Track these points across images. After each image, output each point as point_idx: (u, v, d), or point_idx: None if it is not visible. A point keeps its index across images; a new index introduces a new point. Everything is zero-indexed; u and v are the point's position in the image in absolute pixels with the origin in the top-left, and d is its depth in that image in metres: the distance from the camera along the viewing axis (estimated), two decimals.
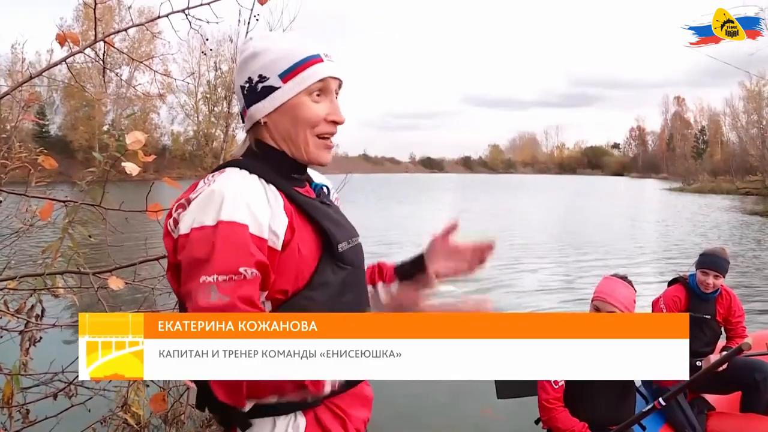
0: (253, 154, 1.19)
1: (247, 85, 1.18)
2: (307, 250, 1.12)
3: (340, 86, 1.20)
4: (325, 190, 1.29)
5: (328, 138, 1.19)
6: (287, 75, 1.14)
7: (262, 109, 1.17)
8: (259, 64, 1.16)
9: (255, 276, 1.02)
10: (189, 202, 1.08)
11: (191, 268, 1.02)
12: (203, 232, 1.03)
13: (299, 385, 1.01)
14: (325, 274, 1.13)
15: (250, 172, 1.12)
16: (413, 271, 1.35)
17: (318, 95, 1.16)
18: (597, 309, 2.62)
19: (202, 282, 1.00)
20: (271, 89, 1.15)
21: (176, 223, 1.09)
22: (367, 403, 1.24)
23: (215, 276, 0.99)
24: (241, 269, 1.01)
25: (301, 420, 1.11)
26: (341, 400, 1.16)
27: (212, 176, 1.12)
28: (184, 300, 1.05)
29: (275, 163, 1.17)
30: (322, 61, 1.16)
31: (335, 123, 1.18)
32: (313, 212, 1.16)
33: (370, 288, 1.34)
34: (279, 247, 1.07)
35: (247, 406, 1.03)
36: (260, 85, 1.16)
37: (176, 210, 1.10)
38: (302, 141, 1.17)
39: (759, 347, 3.23)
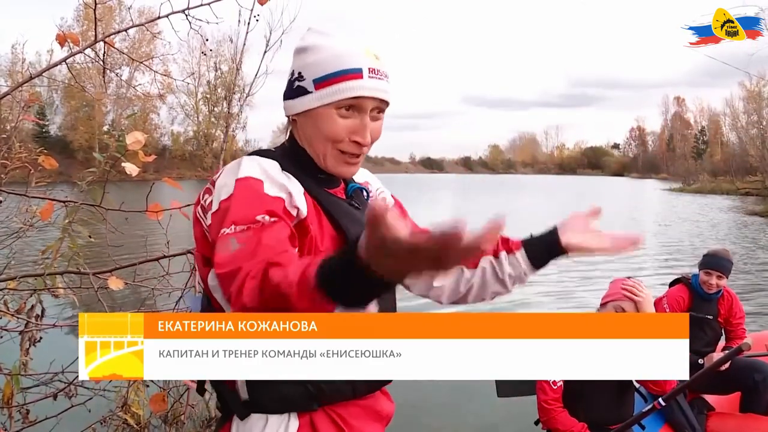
0: (284, 148, 1.18)
1: (290, 77, 1.15)
2: (325, 248, 1.09)
3: (385, 104, 1.13)
4: (363, 193, 1.25)
5: (350, 155, 1.13)
6: (321, 83, 1.09)
7: (292, 107, 1.14)
8: (303, 61, 1.12)
9: (274, 221, 0.98)
10: (214, 183, 1.08)
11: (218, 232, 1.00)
12: (229, 200, 1.02)
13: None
14: None
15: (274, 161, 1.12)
16: (542, 242, 1.27)
17: (348, 110, 1.09)
18: (622, 309, 2.54)
19: (221, 235, 0.96)
20: (304, 91, 1.11)
21: (204, 210, 1.08)
22: (380, 418, 1.20)
23: (233, 227, 0.96)
24: (258, 217, 0.97)
25: (294, 422, 1.09)
26: (344, 409, 1.13)
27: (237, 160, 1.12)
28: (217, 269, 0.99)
29: (302, 160, 1.15)
30: (361, 77, 1.08)
31: (359, 144, 1.12)
32: (333, 211, 1.13)
33: (491, 259, 1.27)
34: (296, 216, 1.05)
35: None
36: (297, 83, 1.12)
37: (204, 196, 1.10)
38: (321, 152, 1.13)
39: (758, 348, 3.24)
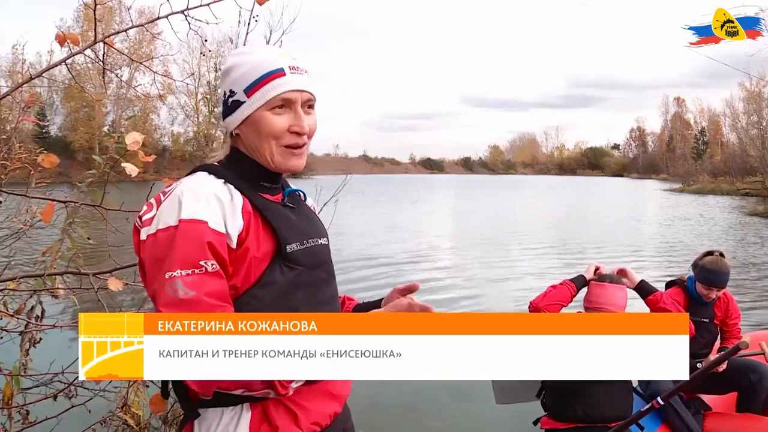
0: (228, 160, 1.27)
1: (223, 98, 1.26)
2: (261, 251, 1.17)
3: (313, 99, 1.24)
4: (300, 194, 1.35)
5: (295, 147, 1.23)
6: (250, 90, 1.20)
7: (232, 122, 1.24)
8: (230, 79, 1.23)
9: (216, 269, 1.09)
10: (159, 202, 1.15)
11: (156, 266, 1.09)
12: (167, 233, 1.10)
13: (267, 383, 1.06)
14: (274, 274, 1.17)
15: (217, 177, 1.20)
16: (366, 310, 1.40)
17: (281, 108, 1.20)
18: None
19: (167, 278, 1.06)
20: (238, 104, 1.22)
21: (140, 221, 1.17)
22: (335, 398, 1.25)
23: (178, 271, 1.06)
24: (201, 262, 1.07)
25: (246, 413, 1.14)
26: (297, 394, 1.17)
27: (183, 179, 1.20)
28: (152, 299, 1.09)
29: (245, 170, 1.24)
30: (284, 75, 1.20)
31: (298, 134, 1.21)
32: (268, 215, 1.20)
33: None
34: (234, 245, 1.13)
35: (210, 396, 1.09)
36: (230, 100, 1.23)
37: (145, 208, 1.18)
38: (267, 152, 1.22)
39: (753, 347, 3.23)
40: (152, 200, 1.17)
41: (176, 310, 1.04)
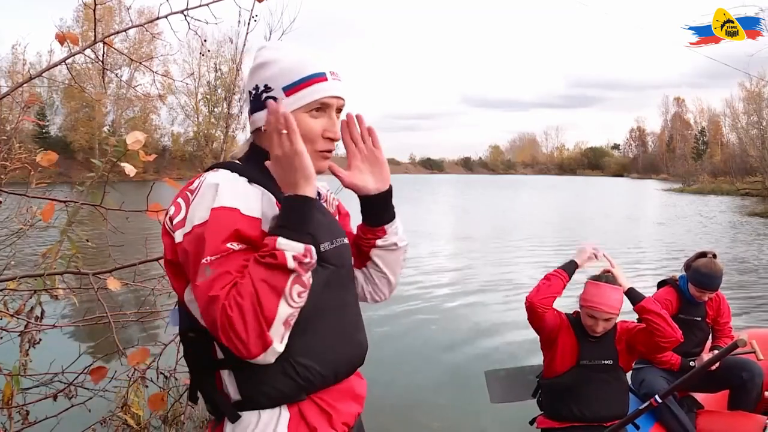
0: (249, 157, 1.23)
1: (254, 92, 1.22)
2: None
3: (342, 105, 1.24)
4: (320, 194, 1.32)
5: (327, 152, 1.22)
6: (290, 89, 1.18)
7: (263, 117, 1.19)
8: (266, 74, 1.20)
9: (242, 249, 1.06)
10: (187, 202, 1.12)
11: (195, 261, 1.07)
12: (202, 227, 1.08)
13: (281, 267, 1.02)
14: None
15: (240, 175, 1.16)
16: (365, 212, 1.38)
17: (318, 111, 1.20)
18: (593, 317, 2.64)
19: (200, 264, 1.05)
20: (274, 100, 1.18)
21: (171, 221, 1.13)
22: (357, 398, 1.27)
23: (208, 258, 1.04)
24: (228, 245, 1.06)
25: (285, 414, 1.14)
26: (328, 395, 1.19)
27: (206, 175, 1.16)
28: (194, 295, 1.07)
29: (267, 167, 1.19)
30: (326, 79, 1.19)
31: (332, 139, 1.22)
32: None
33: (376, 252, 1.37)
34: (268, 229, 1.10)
35: (275, 340, 1.03)
36: (264, 95, 1.20)
37: (173, 209, 1.14)
38: None
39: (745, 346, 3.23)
40: (179, 200, 1.14)
41: (210, 292, 1.02)
